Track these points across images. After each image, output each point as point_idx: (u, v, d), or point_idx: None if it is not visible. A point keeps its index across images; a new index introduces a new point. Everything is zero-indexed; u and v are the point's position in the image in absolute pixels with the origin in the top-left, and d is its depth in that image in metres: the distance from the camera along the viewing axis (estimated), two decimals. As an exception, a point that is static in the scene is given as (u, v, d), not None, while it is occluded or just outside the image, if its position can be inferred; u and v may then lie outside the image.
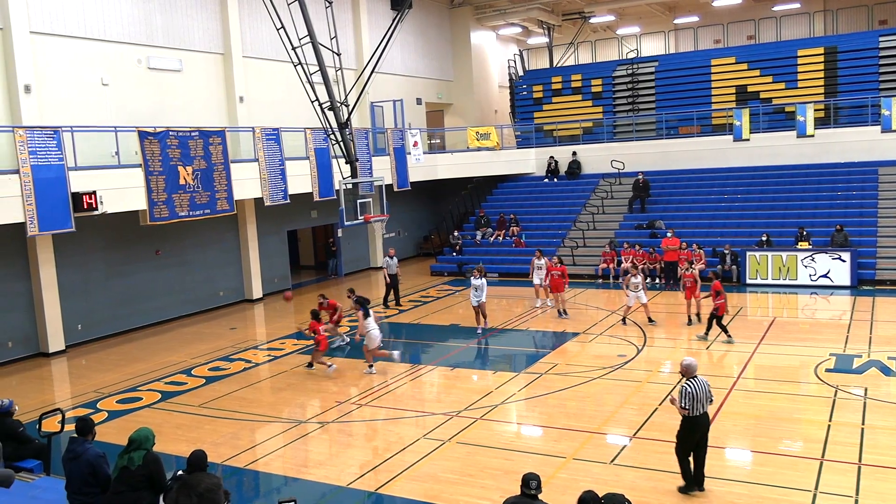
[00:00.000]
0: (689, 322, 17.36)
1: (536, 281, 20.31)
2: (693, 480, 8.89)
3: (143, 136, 17.25)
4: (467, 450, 10.74)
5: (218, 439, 11.68)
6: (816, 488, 8.96)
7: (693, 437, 8.84)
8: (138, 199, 17.31)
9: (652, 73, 31.87)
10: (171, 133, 17.93)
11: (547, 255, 24.00)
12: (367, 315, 14.83)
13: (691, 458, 8.93)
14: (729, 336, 15.68)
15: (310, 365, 15.40)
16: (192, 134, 18.49)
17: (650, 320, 17.49)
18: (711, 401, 8.98)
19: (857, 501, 8.60)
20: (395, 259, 21.45)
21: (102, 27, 18.97)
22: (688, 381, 8.82)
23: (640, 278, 17.69)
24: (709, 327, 15.95)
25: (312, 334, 15.18)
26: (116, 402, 13.99)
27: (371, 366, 14.91)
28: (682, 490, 8.90)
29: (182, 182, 18.14)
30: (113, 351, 18.20)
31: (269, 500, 9.66)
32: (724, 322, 15.83)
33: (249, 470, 10.55)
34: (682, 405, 8.73)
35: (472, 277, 18.18)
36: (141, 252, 20.26)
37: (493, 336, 17.62)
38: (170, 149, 17.83)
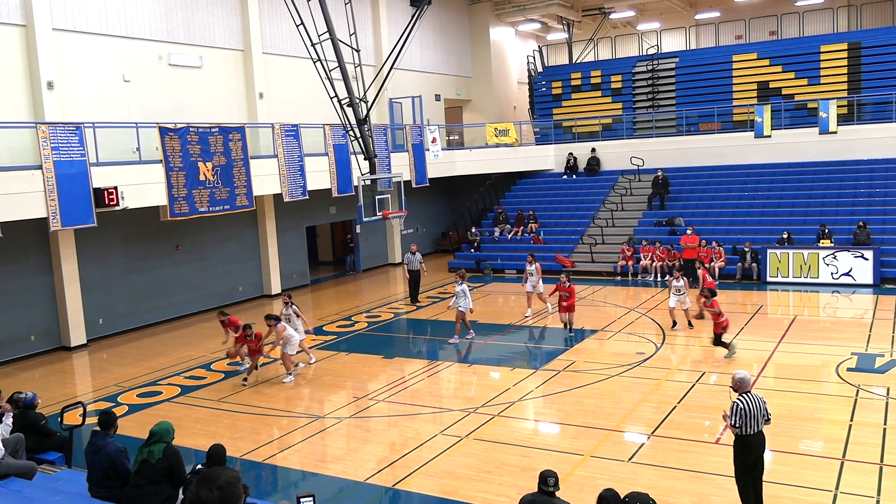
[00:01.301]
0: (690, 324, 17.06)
1: (528, 288, 19.00)
2: None
3: (163, 132, 17.37)
4: (484, 446, 10.74)
5: (237, 434, 11.76)
6: (837, 488, 8.87)
7: (747, 459, 8.04)
8: (159, 195, 17.44)
9: (672, 69, 31.62)
10: (191, 129, 18.04)
11: (565, 252, 24.01)
12: (278, 321, 14.68)
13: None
14: (730, 350, 14.45)
15: (246, 381, 14.61)
16: (213, 130, 18.60)
17: (689, 325, 16.90)
18: (769, 419, 8.15)
19: (878, 502, 8.51)
20: (419, 255, 21.42)
21: (124, 24, 19.13)
22: (740, 397, 8.06)
23: (682, 281, 16.89)
24: (723, 343, 14.57)
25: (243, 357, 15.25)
26: (137, 395, 14.12)
27: (290, 374, 14.56)
28: None
29: (202, 178, 18.25)
30: (133, 345, 18.37)
31: (288, 495, 9.70)
32: (726, 338, 14.65)
33: (268, 464, 10.61)
34: (734, 423, 8.00)
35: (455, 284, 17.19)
36: (161, 247, 20.42)
37: (511, 333, 17.59)
38: (190, 145, 17.94)
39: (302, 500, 6.25)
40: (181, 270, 21.07)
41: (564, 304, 16.71)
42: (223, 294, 22.29)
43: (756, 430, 8.01)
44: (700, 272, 17.95)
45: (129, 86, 19.24)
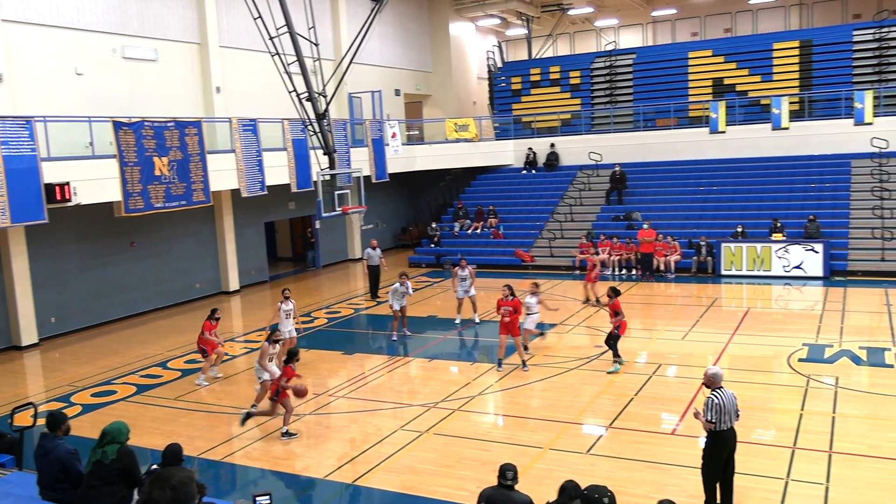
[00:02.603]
0: (587, 301, 18.92)
1: (460, 294, 17.80)
2: None
3: (117, 126, 17.04)
4: (444, 441, 10.78)
5: (194, 432, 11.63)
6: (788, 476, 9.11)
7: (721, 455, 8.11)
8: (113, 191, 17.11)
9: (630, 65, 31.99)
10: (146, 123, 17.73)
11: (525, 247, 24.08)
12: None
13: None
14: (618, 358, 13.76)
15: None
16: (168, 124, 18.30)
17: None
18: (738, 415, 8.21)
19: (827, 489, 8.74)
20: (378, 250, 21.35)
21: (76, 15, 18.70)
22: (713, 393, 8.08)
23: (536, 298, 15.13)
24: (614, 347, 13.86)
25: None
26: (91, 395, 13.87)
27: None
28: None
29: (157, 173, 17.96)
30: (87, 344, 18.03)
31: (246, 494, 9.61)
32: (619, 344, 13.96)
33: (226, 463, 10.52)
34: (708, 418, 8.00)
35: (398, 283, 16.82)
36: (116, 244, 20.05)
37: (471, 328, 17.65)
38: (145, 139, 17.63)
39: (258, 498, 6.21)
40: (136, 267, 20.72)
41: (507, 319, 13.94)
42: (180, 291, 21.98)
43: (729, 426, 8.08)
44: (591, 259, 19.29)
45: (82, 79, 18.84)
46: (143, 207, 17.72)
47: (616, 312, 13.85)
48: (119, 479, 6.74)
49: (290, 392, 11.09)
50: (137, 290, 20.75)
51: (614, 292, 14.05)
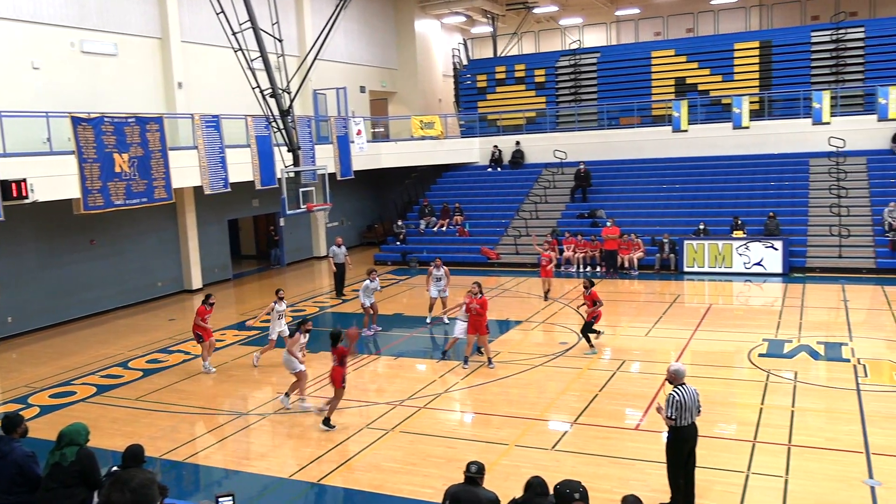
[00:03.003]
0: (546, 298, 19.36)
1: (434, 294, 17.52)
2: (683, 499, 8.26)
3: (76, 121, 16.71)
4: (410, 439, 10.77)
5: (156, 433, 11.46)
6: (749, 469, 9.27)
7: (682, 450, 8.17)
8: (71, 188, 16.77)
9: (594, 64, 32.25)
10: (105, 119, 17.41)
11: (490, 245, 24.15)
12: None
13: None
14: (592, 347, 14.55)
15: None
16: (129, 120, 17.99)
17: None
18: (700, 411, 8.28)
19: (787, 481, 8.91)
20: (344, 248, 21.25)
21: (33, 8, 18.29)
22: (675, 389, 8.13)
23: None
24: (588, 335, 14.63)
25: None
26: (49, 396, 13.59)
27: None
28: None
29: (118, 170, 17.65)
30: (45, 344, 17.66)
31: (210, 494, 9.50)
32: (594, 329, 14.73)
33: (189, 463, 10.38)
34: (669, 415, 8.06)
35: (368, 280, 16.75)
36: (75, 242, 19.67)
37: (437, 325, 17.64)
38: (105, 135, 17.31)
39: (221, 499, 6.13)
40: (97, 266, 20.35)
41: (475, 317, 13.77)
42: (141, 289, 21.65)
43: (690, 422, 8.14)
44: (546, 255, 19.82)
45: (39, 73, 18.42)
46: (103, 205, 17.40)
47: (594, 302, 14.62)
48: (78, 482, 6.61)
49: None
50: (98, 289, 20.38)
51: (590, 283, 15.03)
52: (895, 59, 27.33)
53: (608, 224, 23.19)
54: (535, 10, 36.61)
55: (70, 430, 6.77)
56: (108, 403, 13.04)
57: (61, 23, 18.98)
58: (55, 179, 16.45)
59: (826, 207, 22.81)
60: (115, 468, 6.82)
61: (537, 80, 33.04)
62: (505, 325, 17.10)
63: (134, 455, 6.83)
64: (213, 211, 23.74)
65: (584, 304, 15.16)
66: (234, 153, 21.12)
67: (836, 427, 10.47)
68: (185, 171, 19.81)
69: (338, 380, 11.29)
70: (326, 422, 11.32)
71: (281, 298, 15.20)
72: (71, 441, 6.67)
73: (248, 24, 17.33)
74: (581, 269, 23.08)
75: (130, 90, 20.74)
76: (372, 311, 16.93)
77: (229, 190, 21.10)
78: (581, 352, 14.65)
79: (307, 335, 12.95)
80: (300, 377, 12.44)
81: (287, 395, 12.46)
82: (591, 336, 14.71)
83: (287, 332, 14.80)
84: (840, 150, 24.47)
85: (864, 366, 13.00)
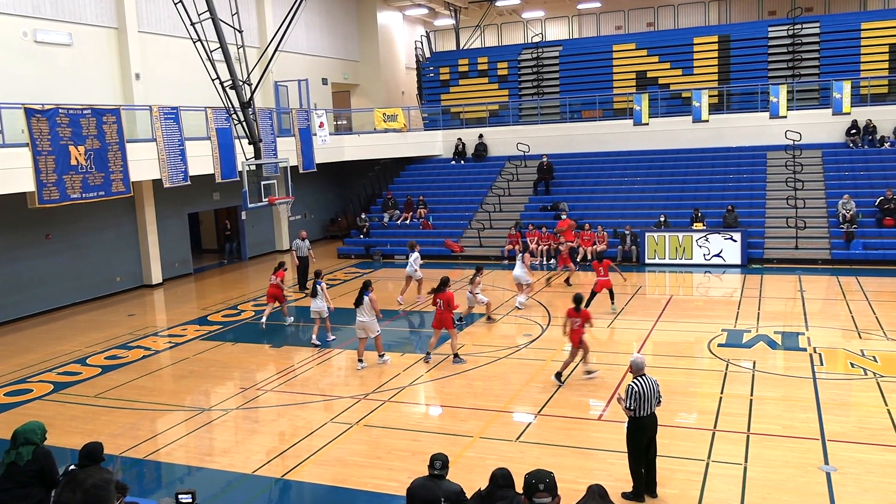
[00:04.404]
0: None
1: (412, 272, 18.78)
2: (644, 488, 8.42)
3: (29, 113, 16.30)
4: (375, 432, 10.75)
5: (116, 430, 11.27)
6: (709, 457, 9.42)
7: (642, 440, 8.32)
8: (26, 181, 16.38)
9: (556, 57, 32.40)
10: (60, 111, 17.01)
11: (454, 237, 24.07)
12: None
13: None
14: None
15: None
16: (84, 112, 17.60)
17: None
18: (660, 401, 8.44)
19: (745, 468, 9.08)
20: (307, 241, 21.12)
21: (-18, -3, 17.81)
22: (635, 380, 8.32)
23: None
24: (588, 303, 15.50)
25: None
26: (4, 394, 13.29)
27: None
28: (629, 496, 8.39)
29: (73, 162, 17.27)
30: (0, 341, 17.24)
31: (172, 492, 9.37)
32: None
33: (150, 461, 10.23)
34: (628, 405, 8.23)
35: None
36: (30, 236, 19.23)
37: (400, 319, 17.62)
38: (60, 127, 16.92)
39: (181, 496, 6.03)
40: (53, 261, 19.92)
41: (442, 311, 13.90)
42: (99, 285, 21.25)
43: (649, 412, 8.30)
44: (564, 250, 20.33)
45: (-10, 63, 17.95)
46: (59, 198, 17.02)
47: (610, 269, 16.74)
48: (34, 482, 6.46)
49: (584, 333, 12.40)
50: (54, 284, 19.96)
51: (601, 257, 17.49)
52: (849, 55, 27.96)
53: (562, 217, 23.41)
54: (498, 3, 36.64)
55: (25, 428, 6.61)
56: (66, 401, 12.79)
57: (13, 11, 18.50)
58: (8, 172, 16.08)
59: (783, 200, 23.25)
60: (72, 467, 6.68)
61: (500, 72, 33.10)
62: (469, 318, 17.12)
63: (90, 453, 6.68)
64: (172, 204, 23.38)
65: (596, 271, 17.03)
66: (193, 146, 20.80)
67: (793, 415, 10.69)
68: (144, 163, 19.47)
69: (575, 338, 12.43)
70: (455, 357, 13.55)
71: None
72: (26, 440, 6.51)
73: (207, 15, 17.05)
74: (545, 262, 23.20)
75: (86, 81, 20.31)
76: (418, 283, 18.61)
77: (189, 183, 20.79)
78: (547, 343, 14.75)
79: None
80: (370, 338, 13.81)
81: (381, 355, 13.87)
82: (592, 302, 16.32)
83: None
84: (796, 143, 24.94)
85: (820, 355, 13.29)
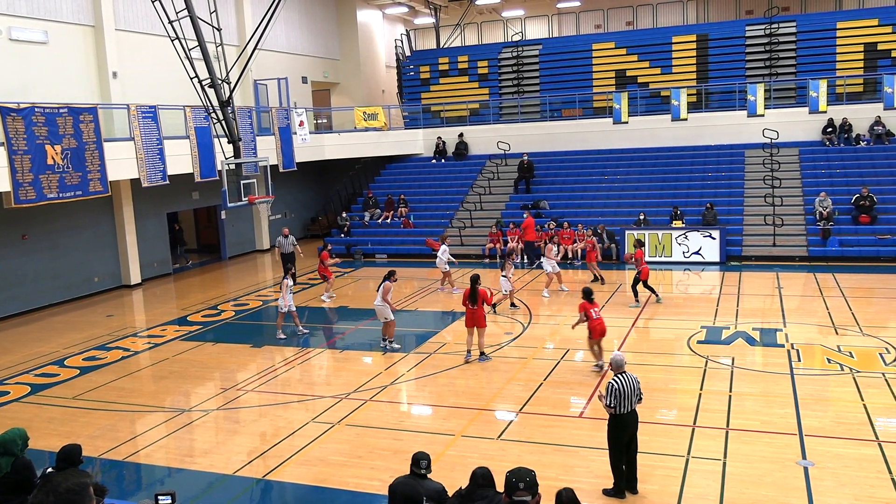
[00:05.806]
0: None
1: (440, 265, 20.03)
2: (625, 484, 8.45)
3: (4, 112, 16.08)
4: (357, 432, 10.74)
5: (94, 432, 11.17)
6: (689, 453, 9.50)
7: (622, 437, 8.37)
8: (1, 181, 16.14)
9: (536, 56, 32.49)
10: (36, 109, 16.80)
11: (435, 236, 24.07)
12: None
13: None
14: (637, 300, 17.52)
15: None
16: (61, 111, 17.40)
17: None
18: (640, 398, 8.50)
19: (725, 464, 9.17)
20: (291, 237, 21.15)
21: (-45, -6, 17.55)
22: (616, 377, 8.36)
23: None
24: (635, 292, 17.55)
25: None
26: (-20, 397, 13.13)
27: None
28: (609, 493, 8.42)
29: (50, 162, 17.06)
30: (-24, 343, 17.04)
31: (151, 493, 9.30)
32: (649, 287, 17.56)
33: (129, 462, 10.15)
34: (609, 403, 8.27)
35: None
36: (6, 237, 19.00)
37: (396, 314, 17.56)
38: (36, 126, 16.71)
39: (160, 498, 5.99)
40: (30, 261, 19.69)
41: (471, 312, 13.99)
42: (77, 285, 21.04)
43: (629, 410, 8.35)
44: (588, 245, 20.70)
45: (-36, 62, 17.71)
46: (35, 198, 16.80)
47: (639, 261, 17.32)
48: (15, 491, 6.34)
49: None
50: (31, 285, 19.73)
51: (639, 243, 18.27)
52: (825, 54, 28.30)
53: (524, 216, 23.51)
54: (478, 2, 36.66)
55: (5, 438, 6.43)
56: (44, 403, 12.66)
57: (-13, 9, 18.26)
58: (-17, 172, 15.85)
59: (761, 197, 23.46)
60: (49, 469, 6.60)
61: (480, 71, 33.14)
62: (451, 316, 17.14)
63: (68, 455, 6.60)
64: (151, 204, 23.19)
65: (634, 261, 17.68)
66: (172, 145, 20.61)
67: (772, 410, 10.81)
68: (122, 163, 19.27)
69: (482, 320, 13.55)
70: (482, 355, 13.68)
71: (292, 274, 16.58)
72: (6, 451, 6.35)
73: (186, 13, 16.93)
74: (524, 260, 23.26)
75: (63, 80, 20.09)
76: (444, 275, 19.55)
77: (168, 182, 20.60)
78: (528, 342, 14.79)
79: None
80: (388, 325, 14.79)
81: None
82: (641, 291, 17.39)
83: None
84: (774, 141, 25.16)
85: (798, 351, 13.44)
